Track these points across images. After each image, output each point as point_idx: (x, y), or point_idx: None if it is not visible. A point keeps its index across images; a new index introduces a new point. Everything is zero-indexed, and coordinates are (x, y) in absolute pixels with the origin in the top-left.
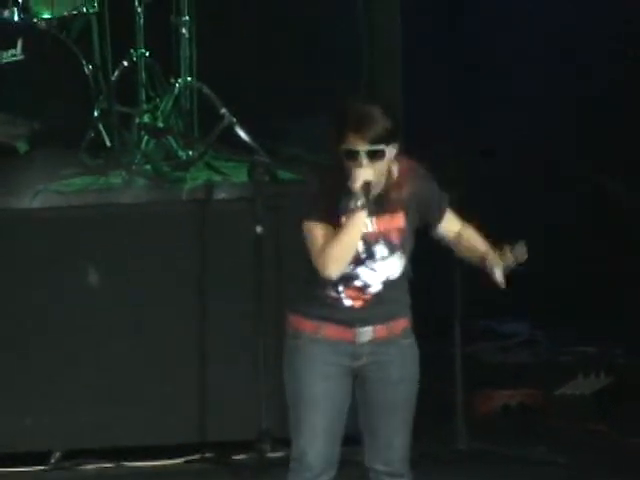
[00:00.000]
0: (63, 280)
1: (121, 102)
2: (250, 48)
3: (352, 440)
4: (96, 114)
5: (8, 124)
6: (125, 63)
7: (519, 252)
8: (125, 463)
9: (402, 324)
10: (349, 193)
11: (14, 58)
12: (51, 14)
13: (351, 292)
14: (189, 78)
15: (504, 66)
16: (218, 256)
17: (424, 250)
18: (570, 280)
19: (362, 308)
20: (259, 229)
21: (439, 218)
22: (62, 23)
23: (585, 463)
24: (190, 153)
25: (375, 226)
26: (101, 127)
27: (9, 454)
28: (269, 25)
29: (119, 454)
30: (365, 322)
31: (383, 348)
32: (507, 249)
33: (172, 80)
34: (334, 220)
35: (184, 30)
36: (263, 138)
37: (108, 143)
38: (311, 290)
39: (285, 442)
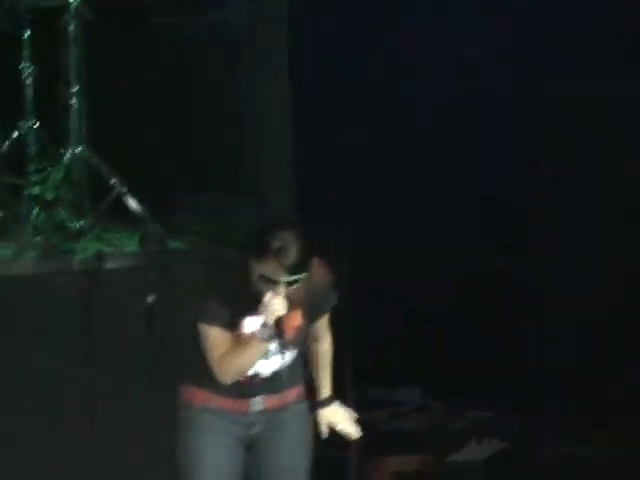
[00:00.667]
0: None
1: (10, 174)
2: (141, 118)
3: None
4: None
5: None
6: (14, 134)
7: (348, 429)
8: None
9: (295, 392)
10: (251, 299)
11: None
12: None
13: (241, 378)
14: (79, 148)
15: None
16: (109, 326)
17: None
18: (459, 346)
19: (254, 383)
20: (150, 299)
21: (320, 317)
22: None
23: None
24: (81, 223)
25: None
26: None
27: None
28: (162, 96)
29: None
30: (256, 394)
31: (276, 415)
32: (341, 411)
33: (62, 150)
34: (231, 328)
35: (73, 100)
36: (154, 208)
37: None
38: (203, 365)
39: None
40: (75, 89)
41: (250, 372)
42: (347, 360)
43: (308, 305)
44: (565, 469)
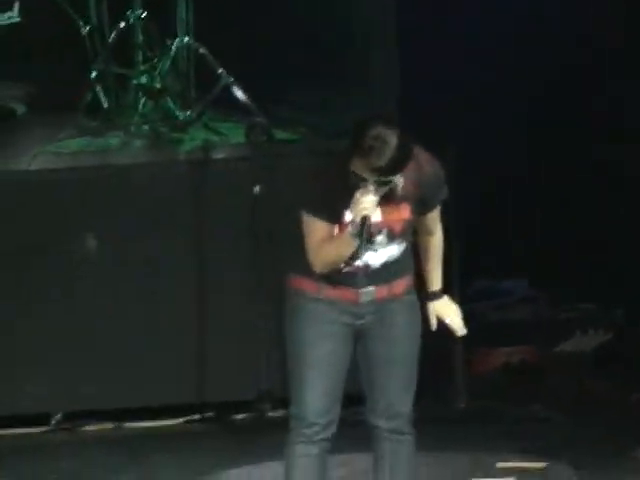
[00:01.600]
0: (62, 243)
1: (118, 63)
2: (249, 9)
3: (354, 399)
4: (93, 76)
5: (5, 87)
6: (122, 24)
7: (456, 325)
8: (125, 424)
9: (404, 283)
10: (351, 193)
11: (11, 20)
12: None
13: (352, 269)
14: (186, 38)
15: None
16: (216, 217)
17: None
18: (569, 238)
19: (363, 273)
20: (257, 189)
21: (429, 210)
22: None
23: (582, 420)
24: (188, 114)
25: (378, 217)
26: (98, 89)
27: (10, 416)
28: None
29: (119, 415)
30: (366, 283)
31: (385, 305)
32: (451, 305)
33: (169, 41)
34: (333, 219)
35: None
36: (261, 99)
37: (105, 104)
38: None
39: (285, 402)
40: None
41: (360, 263)
42: (454, 251)
43: (417, 198)
44: None
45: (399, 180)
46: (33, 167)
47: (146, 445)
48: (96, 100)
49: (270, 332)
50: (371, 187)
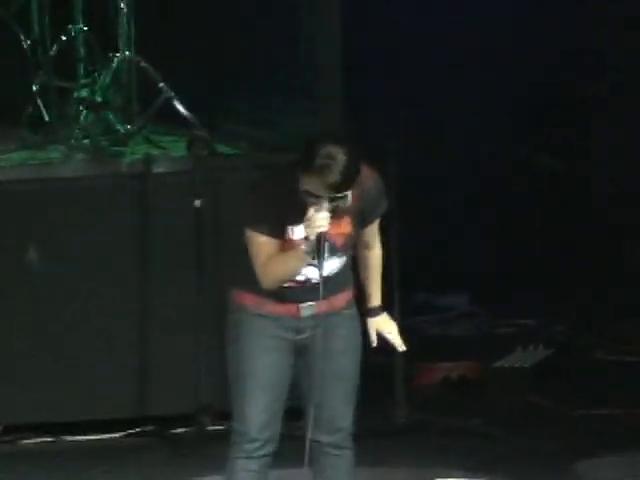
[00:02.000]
0: (2, 254)
1: (60, 77)
2: (192, 25)
3: (293, 414)
4: (35, 89)
5: None
6: (63, 38)
7: (396, 341)
8: (65, 437)
9: (344, 297)
10: (298, 208)
11: None
12: None
13: (293, 283)
14: (127, 52)
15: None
16: (158, 229)
17: None
18: (509, 254)
19: (303, 288)
20: (198, 202)
21: (368, 224)
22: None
23: (522, 435)
24: (129, 127)
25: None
26: (40, 102)
27: None
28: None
29: (59, 429)
30: (307, 299)
31: (326, 319)
32: (390, 321)
33: (110, 54)
34: (277, 234)
35: (122, 5)
36: (202, 113)
37: (47, 118)
38: (254, 274)
39: (225, 415)
40: None
41: (301, 277)
42: (394, 265)
43: (358, 212)
44: (612, 375)
45: (349, 195)
46: None
47: (86, 459)
48: (38, 113)
49: (211, 347)
50: (325, 204)
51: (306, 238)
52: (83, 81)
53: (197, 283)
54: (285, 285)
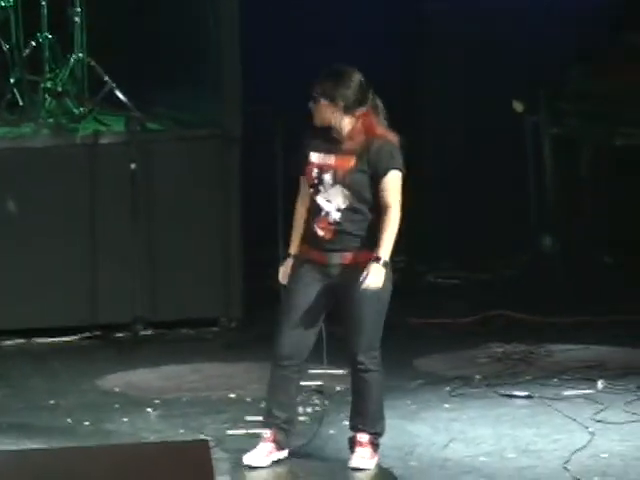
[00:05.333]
0: None
1: (30, 72)
2: (130, 33)
3: None
4: (12, 81)
5: None
6: (33, 43)
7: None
8: (35, 340)
9: (368, 255)
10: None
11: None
12: None
13: (321, 224)
14: (80, 54)
15: None
16: (103, 186)
17: None
18: None
19: (331, 240)
20: (133, 166)
21: (376, 178)
22: None
23: None
24: (82, 110)
25: (330, 161)
26: (15, 91)
27: None
28: (143, 16)
29: (30, 333)
30: (334, 249)
31: (350, 271)
32: (377, 271)
33: (68, 55)
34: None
35: (76, 18)
36: (137, 99)
37: (21, 103)
38: (307, 224)
39: (154, 324)
40: (78, 9)
41: (322, 213)
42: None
43: (364, 157)
44: (441, 293)
45: (329, 106)
46: None
47: (51, 356)
48: (14, 99)
49: (142, 271)
50: (311, 103)
51: None
52: (48, 75)
53: (132, 224)
54: (319, 235)
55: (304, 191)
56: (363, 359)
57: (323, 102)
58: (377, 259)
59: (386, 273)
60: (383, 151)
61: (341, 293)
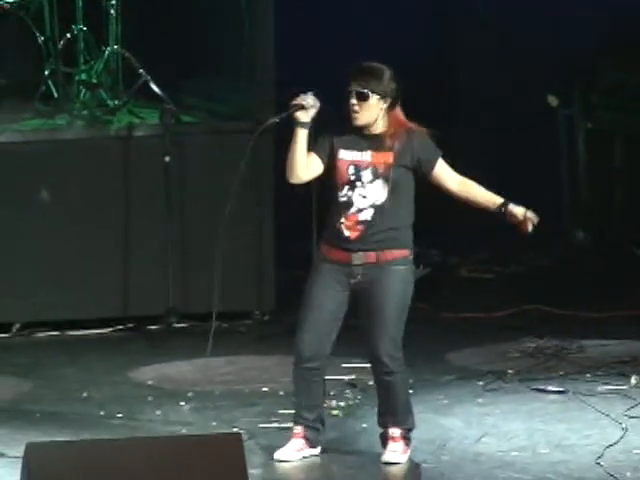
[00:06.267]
0: (23, 197)
1: (65, 64)
2: (163, 25)
3: None
4: (47, 73)
5: None
6: (68, 35)
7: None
8: (68, 332)
9: (393, 254)
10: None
11: None
12: None
13: (349, 222)
14: (115, 46)
15: None
16: (138, 178)
17: None
18: None
19: (356, 239)
20: (167, 158)
21: (430, 169)
22: (22, 5)
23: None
24: (116, 102)
25: (367, 157)
26: (50, 83)
27: None
28: (176, 8)
29: (63, 325)
30: (358, 249)
31: (373, 270)
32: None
33: (103, 47)
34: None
35: (112, 11)
36: (171, 91)
37: (55, 94)
38: (328, 223)
39: (187, 316)
40: (113, 1)
41: (353, 209)
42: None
43: (406, 152)
44: (473, 288)
45: (377, 100)
46: (1, 139)
47: (84, 348)
48: (49, 91)
49: (175, 264)
50: (353, 99)
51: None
52: (82, 67)
53: (166, 217)
54: (344, 235)
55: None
56: (387, 361)
57: (374, 98)
58: (505, 204)
59: (408, 275)
60: (426, 143)
61: (363, 291)
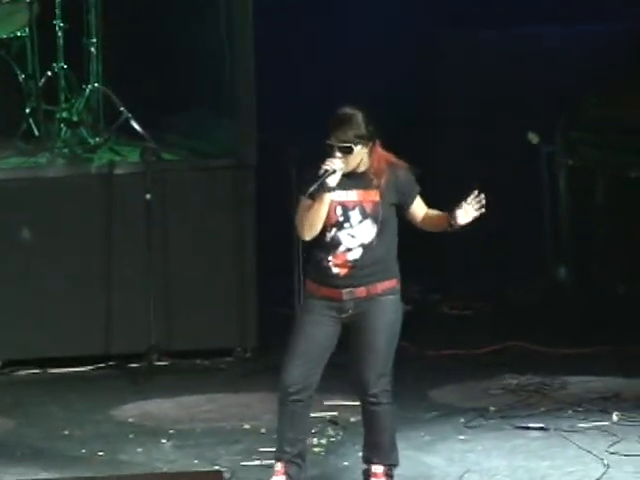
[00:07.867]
0: (4, 234)
1: (46, 102)
2: (144, 63)
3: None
4: (27, 111)
5: None
6: (49, 73)
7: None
8: (50, 370)
9: (383, 286)
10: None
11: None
12: None
13: (337, 260)
14: (96, 84)
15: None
16: (118, 216)
17: None
18: None
19: (346, 275)
20: (148, 196)
21: (409, 203)
22: (3, 43)
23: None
24: (97, 140)
25: (353, 197)
26: (31, 121)
27: None
28: (158, 46)
29: (45, 363)
30: (348, 285)
31: (364, 303)
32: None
33: (84, 86)
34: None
35: (92, 49)
36: (152, 129)
37: (36, 132)
38: (314, 261)
39: (169, 354)
40: (94, 40)
41: (341, 248)
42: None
43: (390, 188)
44: (454, 325)
45: (360, 150)
46: None
47: (66, 386)
48: (30, 129)
49: (157, 301)
50: (337, 153)
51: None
52: (64, 105)
53: (147, 254)
54: (333, 272)
55: None
56: (376, 392)
57: (357, 148)
58: (451, 211)
59: (397, 304)
60: (408, 178)
61: (354, 324)
